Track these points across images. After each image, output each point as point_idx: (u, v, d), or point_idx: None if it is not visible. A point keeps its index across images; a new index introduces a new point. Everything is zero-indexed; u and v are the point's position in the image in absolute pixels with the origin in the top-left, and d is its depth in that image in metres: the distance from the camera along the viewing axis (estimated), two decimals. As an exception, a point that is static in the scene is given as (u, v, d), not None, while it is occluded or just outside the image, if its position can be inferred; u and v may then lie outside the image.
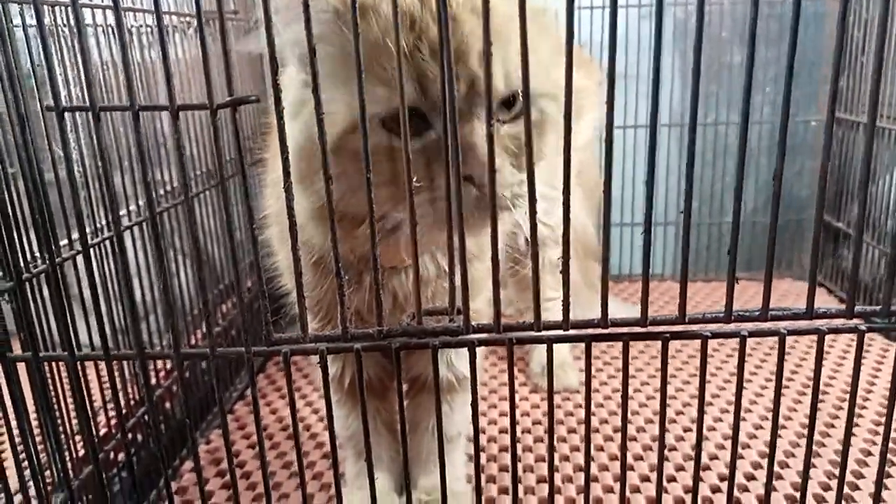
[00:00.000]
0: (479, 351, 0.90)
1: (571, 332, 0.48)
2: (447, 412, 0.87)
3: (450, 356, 0.82)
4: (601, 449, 1.03)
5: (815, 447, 0.99)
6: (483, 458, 1.03)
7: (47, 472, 0.68)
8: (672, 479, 0.95)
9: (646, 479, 0.95)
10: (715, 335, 0.48)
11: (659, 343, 0.49)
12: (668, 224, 1.71)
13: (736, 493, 0.91)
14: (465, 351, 0.84)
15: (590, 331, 0.49)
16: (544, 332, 0.48)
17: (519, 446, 1.06)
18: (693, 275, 1.74)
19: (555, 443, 1.06)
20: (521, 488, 0.96)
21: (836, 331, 0.49)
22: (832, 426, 1.06)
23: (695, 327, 0.48)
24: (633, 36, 1.56)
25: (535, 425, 1.11)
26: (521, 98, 0.59)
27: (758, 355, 1.30)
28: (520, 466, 1.01)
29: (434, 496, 0.85)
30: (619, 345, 0.51)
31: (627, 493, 0.91)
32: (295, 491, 0.96)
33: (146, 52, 1.00)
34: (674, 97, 1.67)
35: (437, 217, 0.53)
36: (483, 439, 1.08)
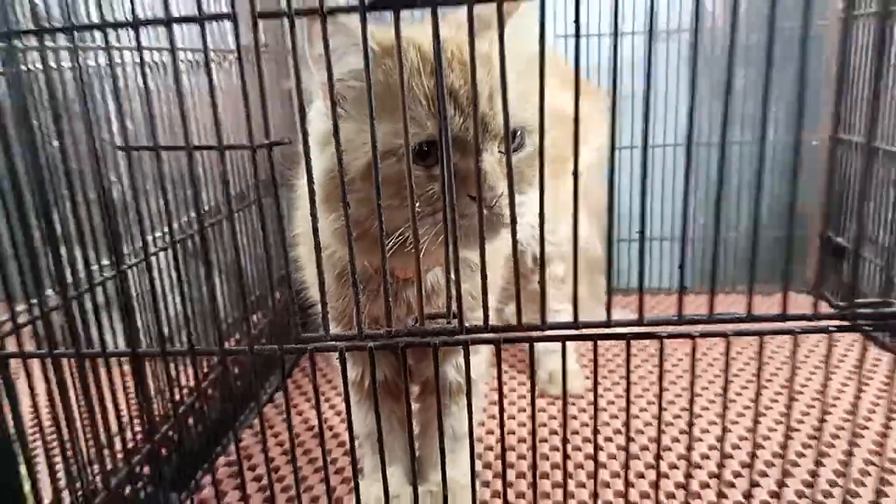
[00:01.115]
0: (484, 354, 0.99)
1: (548, 332, 0.57)
2: (455, 412, 0.96)
3: (457, 360, 0.92)
4: (601, 449, 1.12)
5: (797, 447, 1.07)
6: (491, 455, 1.12)
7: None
8: (664, 476, 1.03)
9: (640, 475, 1.03)
10: (670, 336, 0.57)
11: (657, 342, 0.58)
12: (675, 239, 1.79)
13: (724, 488, 0.98)
14: (475, 356, 0.93)
15: (567, 331, 0.57)
16: (530, 333, 0.57)
17: (524, 446, 1.15)
18: (699, 286, 1.82)
19: (563, 443, 1.14)
20: (524, 483, 1.04)
21: (774, 332, 0.57)
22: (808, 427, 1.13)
23: (656, 328, 0.57)
24: (638, 59, 1.65)
25: (540, 427, 1.20)
26: (519, 134, 0.69)
27: (779, 358, 1.38)
28: (524, 464, 1.09)
29: (451, 488, 0.93)
30: (615, 353, 0.60)
31: (630, 477, 0.99)
32: (319, 483, 1.06)
33: (189, 84, 1.12)
34: (682, 118, 1.75)
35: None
36: (492, 440, 1.17)
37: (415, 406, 1.09)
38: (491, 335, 0.57)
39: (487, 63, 0.64)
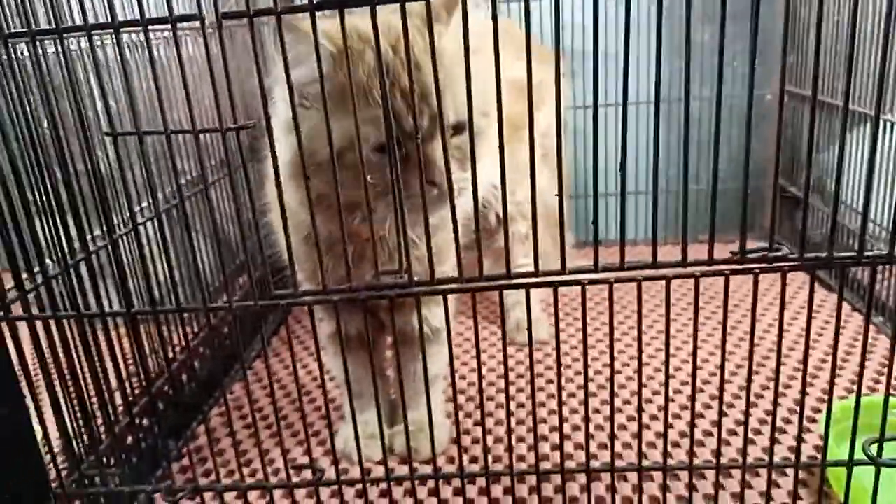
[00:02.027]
0: (449, 306, 1.08)
1: (477, 283, 0.66)
2: (422, 359, 1.06)
3: (425, 314, 1.01)
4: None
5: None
6: (462, 398, 1.23)
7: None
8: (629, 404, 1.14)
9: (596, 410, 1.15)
10: (618, 280, 0.66)
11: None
12: (640, 193, 1.88)
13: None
14: (436, 307, 1.03)
15: (529, 279, 0.66)
16: (474, 284, 0.67)
17: (493, 389, 1.25)
18: (664, 239, 1.91)
19: (529, 386, 1.25)
20: (490, 420, 1.15)
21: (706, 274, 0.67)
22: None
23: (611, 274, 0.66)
24: (604, 18, 1.71)
25: (509, 371, 1.30)
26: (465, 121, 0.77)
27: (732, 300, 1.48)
28: (492, 405, 1.20)
29: (418, 427, 1.04)
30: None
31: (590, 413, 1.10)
32: (298, 421, 1.17)
33: (165, 64, 1.18)
34: (649, 75, 1.81)
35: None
36: (463, 384, 1.28)
37: (390, 354, 1.19)
38: (435, 287, 0.66)
39: (439, 57, 0.71)
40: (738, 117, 1.80)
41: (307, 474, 1.04)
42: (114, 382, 0.91)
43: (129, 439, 1.02)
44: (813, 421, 1.08)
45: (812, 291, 0.67)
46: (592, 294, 1.62)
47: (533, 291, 1.58)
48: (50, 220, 0.81)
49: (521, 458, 1.05)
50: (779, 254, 0.63)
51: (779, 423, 1.08)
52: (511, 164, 0.82)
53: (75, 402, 0.84)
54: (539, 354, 1.36)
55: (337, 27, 0.60)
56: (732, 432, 1.07)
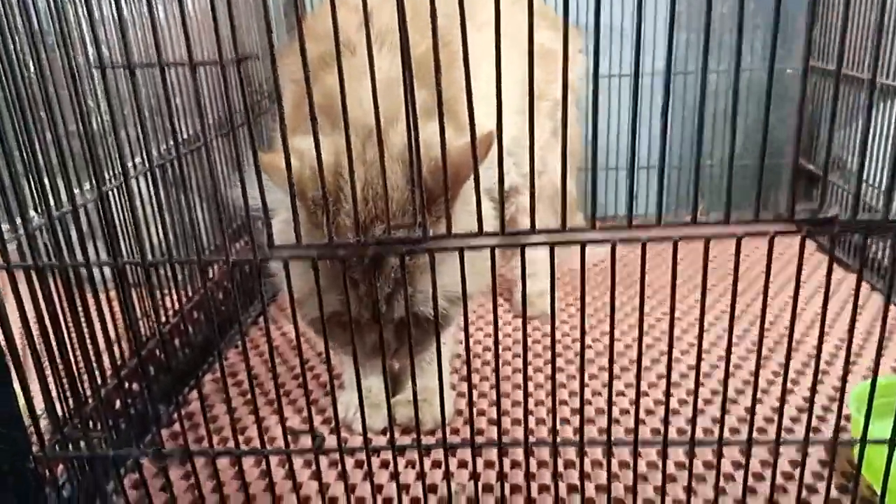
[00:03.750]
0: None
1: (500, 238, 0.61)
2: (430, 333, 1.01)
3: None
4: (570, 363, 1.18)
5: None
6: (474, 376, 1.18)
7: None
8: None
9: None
10: (621, 240, 0.60)
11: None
12: (652, 168, 1.82)
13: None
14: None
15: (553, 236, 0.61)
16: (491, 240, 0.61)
17: (506, 365, 1.20)
18: (674, 213, 1.86)
19: (532, 358, 1.20)
20: (503, 392, 1.10)
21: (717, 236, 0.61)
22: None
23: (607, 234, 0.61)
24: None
25: (515, 345, 1.25)
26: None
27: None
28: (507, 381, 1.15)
29: (423, 396, 0.99)
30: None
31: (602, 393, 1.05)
32: (297, 389, 1.12)
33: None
34: (661, 46, 1.75)
35: None
36: (477, 362, 1.23)
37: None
38: (452, 242, 0.60)
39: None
40: (756, 93, 1.75)
41: (306, 443, 1.00)
42: (102, 344, 0.86)
43: (118, 403, 0.97)
44: (833, 400, 1.03)
45: (831, 265, 0.61)
46: (601, 269, 1.57)
47: (544, 263, 1.52)
48: (34, 169, 0.76)
49: (532, 433, 1.01)
50: (829, 215, 0.58)
51: (800, 402, 1.03)
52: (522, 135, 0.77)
53: (59, 361, 0.78)
54: (546, 328, 1.31)
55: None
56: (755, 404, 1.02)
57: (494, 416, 1.04)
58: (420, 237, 0.61)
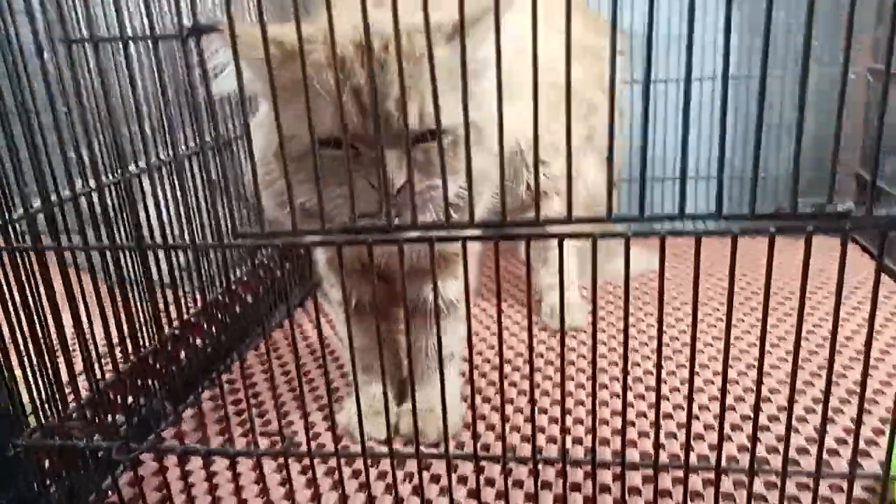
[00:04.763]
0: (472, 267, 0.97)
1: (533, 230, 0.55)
2: (435, 333, 0.96)
3: (440, 286, 0.90)
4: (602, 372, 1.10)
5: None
6: (483, 382, 1.12)
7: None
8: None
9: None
10: (635, 233, 0.54)
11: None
12: (700, 178, 1.73)
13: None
14: (453, 280, 0.92)
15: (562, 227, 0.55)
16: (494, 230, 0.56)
17: (518, 375, 1.14)
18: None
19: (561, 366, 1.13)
20: (510, 408, 1.04)
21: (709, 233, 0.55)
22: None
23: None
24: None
25: (537, 358, 1.19)
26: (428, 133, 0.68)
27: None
28: (514, 391, 1.09)
29: (428, 406, 0.94)
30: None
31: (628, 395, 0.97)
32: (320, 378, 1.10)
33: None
34: (708, 52, 1.66)
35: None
36: (478, 359, 1.19)
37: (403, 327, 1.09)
38: (451, 234, 0.55)
39: (410, 60, 0.65)
40: (815, 98, 1.64)
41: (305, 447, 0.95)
42: (100, 335, 0.84)
43: (118, 399, 0.94)
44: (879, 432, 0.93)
45: (843, 265, 0.53)
46: (619, 285, 1.48)
47: (572, 276, 1.45)
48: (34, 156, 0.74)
49: (540, 451, 0.94)
50: (840, 209, 0.51)
51: (839, 433, 0.94)
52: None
53: (51, 348, 0.76)
54: (573, 342, 1.24)
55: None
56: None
57: (508, 431, 0.98)
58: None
